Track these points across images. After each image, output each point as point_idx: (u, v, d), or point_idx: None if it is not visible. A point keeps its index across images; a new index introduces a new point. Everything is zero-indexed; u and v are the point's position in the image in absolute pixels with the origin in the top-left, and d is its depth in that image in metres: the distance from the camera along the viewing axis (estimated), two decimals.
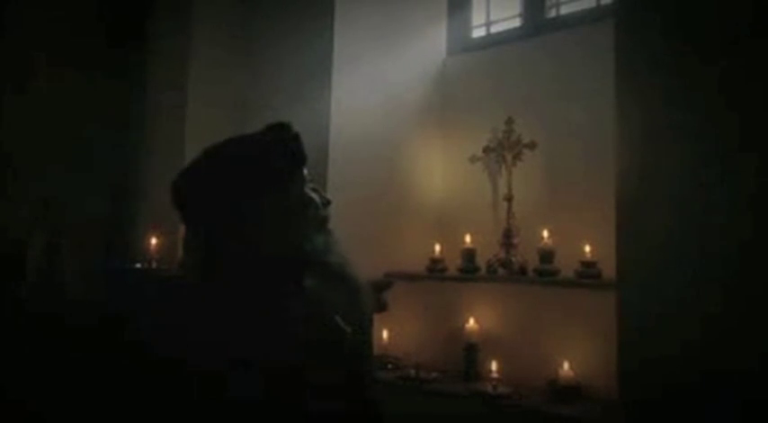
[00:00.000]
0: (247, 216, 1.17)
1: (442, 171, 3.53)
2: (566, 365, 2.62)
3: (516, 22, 3.44)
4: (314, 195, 1.26)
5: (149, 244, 3.12)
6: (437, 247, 3.23)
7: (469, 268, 3.08)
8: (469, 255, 3.09)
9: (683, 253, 1.98)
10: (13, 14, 3.45)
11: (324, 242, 1.23)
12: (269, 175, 1.20)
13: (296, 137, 1.24)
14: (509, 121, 3.18)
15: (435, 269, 3.20)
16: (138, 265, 3.16)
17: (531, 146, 3.09)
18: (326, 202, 1.28)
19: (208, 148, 1.24)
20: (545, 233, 2.88)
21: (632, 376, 2.04)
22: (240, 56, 3.65)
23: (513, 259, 2.99)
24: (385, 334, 3.14)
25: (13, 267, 3.04)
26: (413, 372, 2.91)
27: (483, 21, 3.60)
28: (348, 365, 1.18)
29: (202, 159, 1.23)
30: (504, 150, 3.17)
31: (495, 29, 3.55)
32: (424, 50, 3.57)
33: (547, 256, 2.85)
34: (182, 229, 1.27)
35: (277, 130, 1.25)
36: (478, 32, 3.62)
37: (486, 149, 3.25)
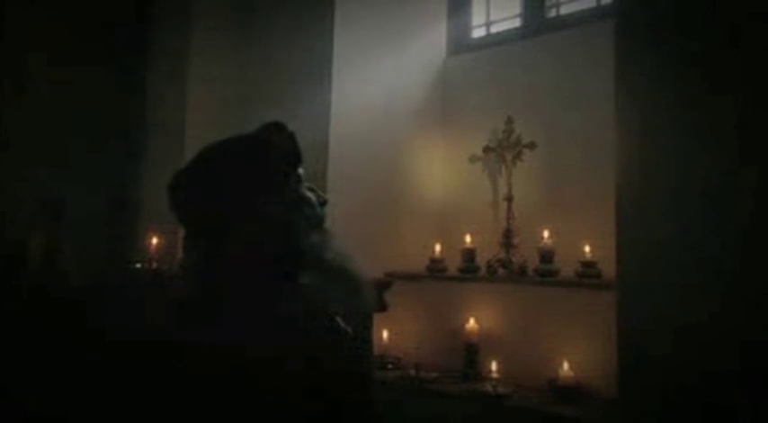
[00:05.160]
0: (244, 216, 1.17)
1: (442, 171, 3.53)
2: (566, 365, 2.62)
3: (516, 22, 3.44)
4: (310, 194, 1.26)
5: (149, 244, 3.12)
6: (437, 247, 3.23)
7: (469, 268, 3.07)
8: (469, 255, 3.09)
9: (683, 253, 1.98)
10: (12, 14, 3.45)
11: (321, 240, 1.23)
12: (265, 174, 1.20)
13: (291, 136, 1.25)
14: (509, 121, 3.18)
15: (435, 269, 3.19)
16: (139, 265, 3.16)
17: (531, 146, 3.09)
18: (323, 202, 1.28)
19: (204, 149, 1.24)
20: (545, 233, 2.87)
21: (632, 376, 2.04)
22: (240, 56, 3.65)
23: (513, 259, 2.99)
24: (385, 334, 3.14)
25: (12, 267, 3.04)
26: (413, 372, 2.91)
27: (483, 21, 3.60)
28: (348, 366, 1.17)
29: (199, 160, 1.23)
30: (504, 150, 3.17)
31: (495, 29, 3.55)
32: (424, 50, 3.57)
33: (547, 256, 2.85)
34: (181, 228, 1.27)
35: (272, 130, 1.25)
36: (478, 32, 3.62)
37: (486, 149, 3.25)
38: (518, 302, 2.98)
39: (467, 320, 2.99)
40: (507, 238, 3.04)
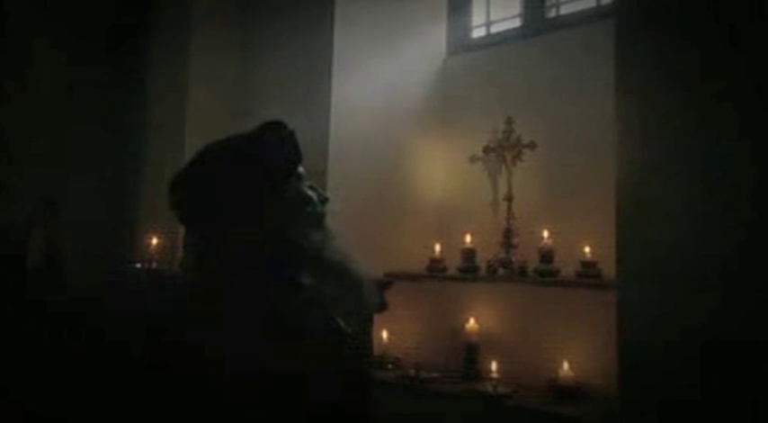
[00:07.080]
0: (244, 214, 1.17)
1: (442, 171, 3.53)
2: (566, 365, 2.62)
3: (516, 22, 3.44)
4: (311, 193, 1.26)
5: (149, 244, 3.12)
6: (437, 247, 3.23)
7: (469, 268, 3.07)
8: (469, 255, 3.09)
9: (683, 253, 1.98)
10: (13, 12, 3.45)
11: (322, 239, 1.23)
12: (265, 173, 1.20)
13: (291, 134, 1.25)
14: (509, 121, 3.18)
15: (435, 269, 3.19)
16: (139, 265, 3.16)
17: (531, 146, 3.09)
18: (324, 199, 1.28)
19: (204, 148, 1.24)
20: (545, 233, 2.87)
21: (632, 376, 2.04)
22: (240, 55, 3.65)
23: (513, 259, 2.98)
24: (385, 334, 3.14)
25: (12, 266, 3.04)
26: (413, 372, 2.91)
27: (483, 21, 3.60)
28: (347, 365, 1.17)
29: (199, 159, 1.23)
30: (504, 150, 3.17)
31: (495, 29, 3.55)
32: (424, 50, 3.57)
33: (547, 256, 2.84)
34: (181, 228, 1.27)
35: (272, 129, 1.25)
36: (478, 32, 3.62)
37: (486, 149, 3.25)
38: (518, 302, 2.98)
39: (467, 320, 2.99)
40: (507, 238, 3.04)
